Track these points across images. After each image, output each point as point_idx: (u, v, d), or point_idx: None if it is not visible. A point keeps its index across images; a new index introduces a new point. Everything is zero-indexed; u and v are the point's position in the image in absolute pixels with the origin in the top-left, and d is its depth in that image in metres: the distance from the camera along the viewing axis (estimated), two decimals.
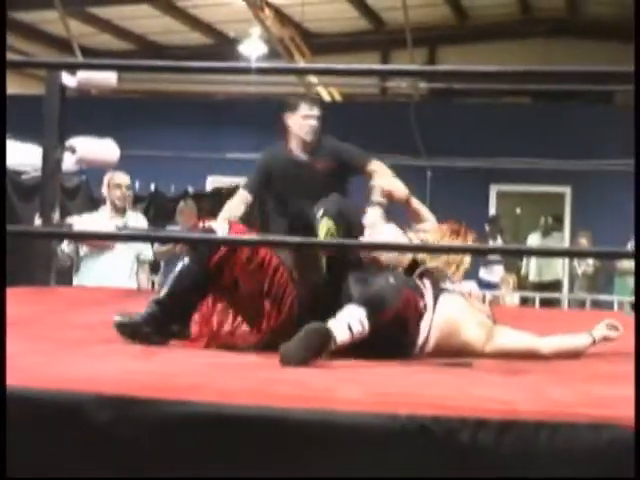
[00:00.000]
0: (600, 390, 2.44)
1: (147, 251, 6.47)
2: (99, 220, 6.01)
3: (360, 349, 2.94)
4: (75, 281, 6.13)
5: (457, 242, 3.49)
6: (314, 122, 4.84)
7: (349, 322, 2.89)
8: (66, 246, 5.98)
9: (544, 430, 2.01)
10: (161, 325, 3.12)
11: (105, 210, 6.20)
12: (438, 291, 3.21)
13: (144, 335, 3.09)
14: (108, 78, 5.49)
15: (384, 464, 2.06)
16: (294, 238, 3.17)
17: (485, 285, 8.61)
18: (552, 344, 3.19)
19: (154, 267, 8.26)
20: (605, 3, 13.13)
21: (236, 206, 4.91)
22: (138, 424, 2.12)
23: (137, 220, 6.38)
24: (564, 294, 10.47)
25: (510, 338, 3.18)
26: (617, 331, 3.18)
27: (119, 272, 6.10)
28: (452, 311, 3.15)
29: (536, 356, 3.12)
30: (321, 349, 2.78)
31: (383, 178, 4.32)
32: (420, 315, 3.08)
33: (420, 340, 3.09)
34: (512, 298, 9.29)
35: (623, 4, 12.66)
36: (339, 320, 2.89)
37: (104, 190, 6.20)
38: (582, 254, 10.46)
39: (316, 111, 4.86)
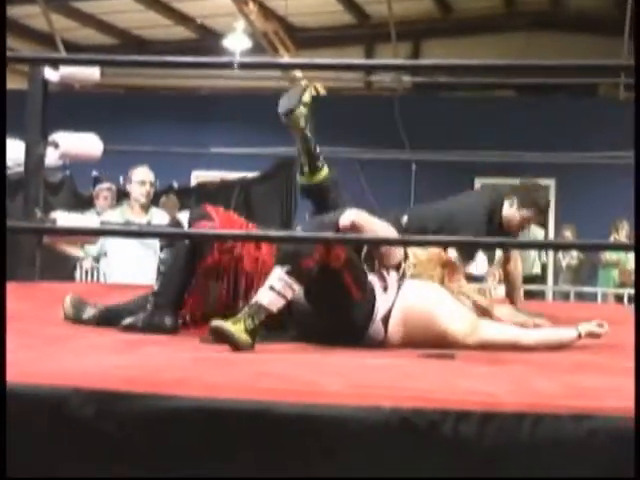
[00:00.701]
0: (584, 381, 2.45)
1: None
2: (120, 216, 5.95)
3: (312, 323, 3.08)
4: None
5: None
6: None
7: (270, 284, 2.96)
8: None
9: (526, 421, 2.03)
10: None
11: (127, 206, 6.13)
12: (403, 280, 3.26)
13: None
14: (91, 73, 5.47)
15: (367, 456, 2.07)
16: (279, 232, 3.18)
17: (471, 278, 8.63)
18: (535, 337, 3.21)
19: None
20: None
21: None
22: (123, 419, 2.12)
23: (162, 217, 6.27)
24: (549, 286, 10.51)
25: (494, 331, 3.20)
26: (603, 328, 3.20)
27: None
28: (417, 298, 3.18)
29: (518, 348, 3.14)
30: (254, 320, 2.88)
31: None
32: (367, 283, 3.18)
33: (378, 317, 3.14)
34: (498, 291, 9.31)
35: None
36: (269, 294, 2.96)
37: (127, 186, 6.13)
38: (567, 246, 10.52)
39: None
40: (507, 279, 4.65)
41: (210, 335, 2.91)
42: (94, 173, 9.96)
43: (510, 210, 4.28)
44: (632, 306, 6.61)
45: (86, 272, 7.59)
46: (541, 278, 11.03)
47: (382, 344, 3.18)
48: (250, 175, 11.27)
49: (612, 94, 13.17)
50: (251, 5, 12.90)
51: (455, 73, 9.48)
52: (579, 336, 3.19)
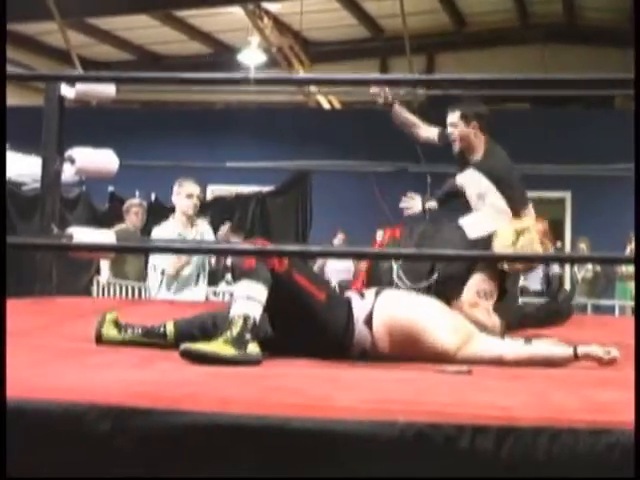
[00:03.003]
0: (602, 395, 2.43)
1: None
2: (172, 230, 6.01)
3: (292, 334, 3.12)
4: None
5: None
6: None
7: (234, 296, 3.01)
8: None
9: (543, 436, 2.01)
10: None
11: (176, 220, 6.18)
12: (381, 290, 3.29)
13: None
14: (107, 89, 5.50)
15: (382, 472, 2.06)
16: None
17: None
18: (520, 353, 3.17)
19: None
20: (602, 9, 13.14)
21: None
22: (138, 434, 2.12)
23: (208, 230, 6.34)
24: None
25: (485, 346, 3.18)
26: (609, 355, 3.10)
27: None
28: (399, 308, 3.18)
29: (501, 363, 3.11)
30: (232, 331, 2.92)
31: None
32: (325, 282, 3.34)
33: (359, 319, 3.15)
34: None
35: (620, 10, 12.69)
36: (238, 304, 3.00)
37: (174, 199, 6.19)
38: (582, 259, 10.47)
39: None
40: None
41: (183, 358, 2.89)
42: (110, 189, 10.00)
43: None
44: None
45: (103, 288, 7.61)
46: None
47: (372, 351, 3.16)
48: (266, 189, 11.31)
49: (628, 106, 13.13)
50: (266, 20, 12.95)
51: (470, 87, 9.48)
52: (575, 356, 3.12)
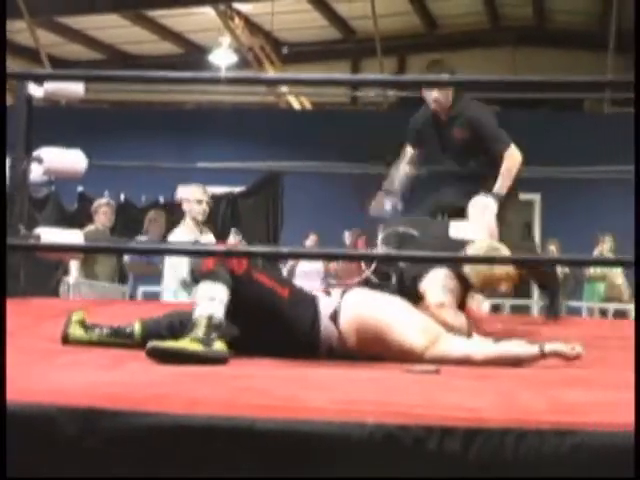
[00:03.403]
0: (570, 396, 2.44)
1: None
2: (184, 236, 6.01)
3: (259, 334, 3.13)
4: None
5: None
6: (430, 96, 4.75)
7: (204, 297, 3.01)
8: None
9: (510, 437, 2.02)
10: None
11: (186, 226, 6.17)
12: (347, 289, 3.31)
13: None
14: (76, 89, 5.46)
15: (352, 472, 2.06)
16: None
17: None
18: (488, 352, 3.19)
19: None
20: (572, 12, 13.24)
21: (403, 166, 4.91)
22: (106, 437, 2.11)
23: (212, 240, 6.35)
24: (534, 300, 10.52)
25: (453, 346, 3.19)
26: (574, 351, 3.13)
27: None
28: (366, 306, 3.19)
29: (472, 363, 3.12)
30: (211, 332, 2.94)
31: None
32: (287, 280, 3.45)
33: (325, 315, 3.16)
34: (484, 305, 9.30)
35: (590, 14, 12.79)
36: (201, 305, 3.00)
37: (184, 206, 6.18)
38: (554, 262, 10.53)
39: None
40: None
41: (150, 357, 2.89)
42: (79, 189, 9.95)
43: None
44: (619, 320, 6.63)
45: (69, 287, 7.56)
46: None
47: (339, 349, 3.17)
48: (236, 189, 11.29)
49: (597, 109, 13.24)
50: (237, 20, 12.94)
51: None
52: (542, 354, 3.15)
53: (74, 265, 7.43)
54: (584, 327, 5.38)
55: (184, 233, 6.11)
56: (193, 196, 6.10)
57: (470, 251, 3.83)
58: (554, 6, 13.45)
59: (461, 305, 3.81)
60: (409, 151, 4.98)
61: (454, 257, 3.70)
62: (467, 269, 3.76)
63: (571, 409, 2.24)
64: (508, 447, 2.01)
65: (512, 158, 4.75)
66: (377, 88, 9.52)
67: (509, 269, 3.84)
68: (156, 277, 8.15)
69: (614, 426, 2.05)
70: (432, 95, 4.68)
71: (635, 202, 2.70)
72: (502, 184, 4.65)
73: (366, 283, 3.71)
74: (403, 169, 4.92)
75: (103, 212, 7.84)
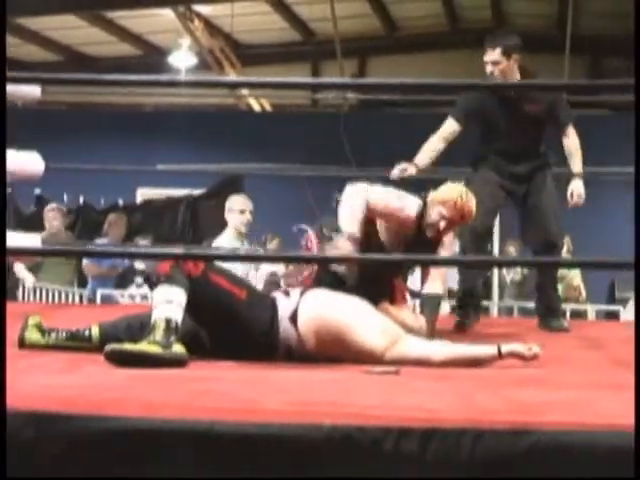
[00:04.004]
0: (526, 396, 2.47)
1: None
2: (226, 244, 5.96)
3: (218, 335, 3.14)
4: None
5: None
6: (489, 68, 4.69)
7: (162, 300, 3.01)
8: None
9: (466, 437, 2.03)
10: None
11: (228, 235, 6.13)
12: (307, 289, 3.33)
13: None
14: (32, 91, 5.41)
15: (310, 474, 2.07)
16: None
17: (411, 294, 8.62)
18: (447, 353, 3.21)
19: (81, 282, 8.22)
20: (532, 16, 13.35)
21: (438, 139, 4.80)
22: (62, 441, 2.10)
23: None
24: (494, 302, 10.59)
25: (412, 347, 3.20)
26: (530, 351, 3.16)
27: None
28: (325, 307, 3.21)
29: (432, 364, 3.14)
30: (170, 335, 2.93)
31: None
32: (244, 281, 3.41)
33: (284, 316, 3.17)
34: (444, 307, 9.33)
35: (550, 17, 12.90)
36: (158, 309, 3.00)
37: (226, 216, 6.13)
38: (513, 263, 10.60)
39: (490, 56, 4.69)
40: None
41: (108, 360, 2.88)
42: (37, 191, 9.85)
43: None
44: (576, 321, 6.69)
45: (28, 291, 7.50)
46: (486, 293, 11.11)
47: (299, 350, 3.18)
48: (196, 192, 11.24)
49: None
50: (196, 22, 12.88)
51: (400, 91, 9.56)
52: (499, 354, 3.17)
53: (20, 268, 7.35)
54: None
55: (226, 243, 6.07)
56: (236, 206, 6.07)
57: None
58: (513, 9, 13.54)
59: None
60: (452, 127, 4.83)
61: (425, 259, 3.71)
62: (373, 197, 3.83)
63: (527, 409, 2.27)
64: (465, 447, 2.02)
65: (575, 133, 4.78)
66: (337, 90, 9.53)
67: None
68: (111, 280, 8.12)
69: (570, 425, 2.07)
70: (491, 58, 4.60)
71: (635, 202, 2.73)
72: (580, 162, 4.72)
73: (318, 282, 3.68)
74: (438, 144, 4.82)
75: (53, 217, 7.86)
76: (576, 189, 4.76)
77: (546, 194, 4.70)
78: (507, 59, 4.56)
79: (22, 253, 4.80)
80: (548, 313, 4.84)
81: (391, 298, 3.85)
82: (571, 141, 4.76)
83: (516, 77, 4.66)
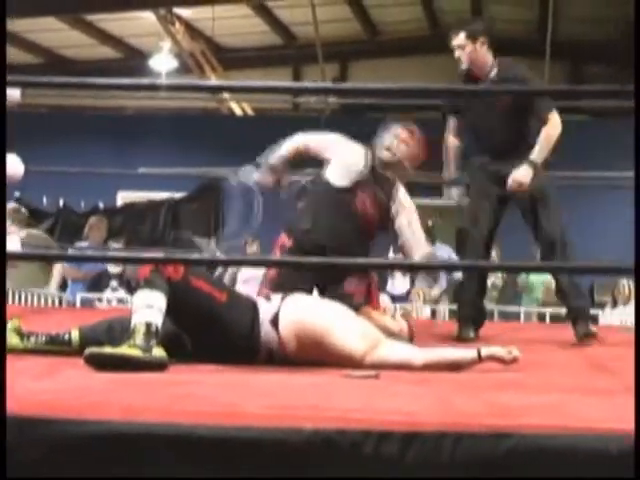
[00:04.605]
0: (506, 399, 2.48)
1: None
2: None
3: (199, 339, 3.14)
4: None
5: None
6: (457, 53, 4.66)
7: (142, 304, 3.00)
8: None
9: (446, 441, 2.04)
10: None
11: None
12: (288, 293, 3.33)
13: None
14: (12, 94, 5.38)
15: (290, 477, 2.07)
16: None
17: (392, 298, 8.63)
18: (427, 357, 3.21)
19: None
20: (512, 21, 13.40)
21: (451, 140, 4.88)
22: (42, 445, 2.09)
23: None
24: None
25: (392, 351, 3.21)
26: (510, 355, 3.17)
27: None
28: (306, 311, 3.22)
29: (408, 368, 3.15)
30: (150, 339, 2.92)
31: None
32: (224, 284, 3.55)
33: (265, 319, 3.17)
34: (423, 311, 9.34)
35: (530, 22, 12.96)
36: (138, 313, 2.99)
37: None
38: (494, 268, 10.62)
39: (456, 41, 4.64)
40: None
41: (88, 363, 2.87)
42: (16, 194, 9.81)
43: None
44: (556, 324, 6.72)
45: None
46: None
47: (279, 353, 3.18)
48: (177, 195, 11.22)
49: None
50: (177, 25, 12.85)
51: (382, 95, 9.58)
52: (479, 358, 3.18)
53: None
54: (521, 331, 5.46)
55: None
56: None
57: None
58: (493, 14, 13.61)
59: None
60: (452, 122, 4.85)
61: (409, 263, 3.72)
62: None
63: (506, 412, 2.28)
64: (445, 450, 2.03)
65: (553, 123, 4.52)
66: (318, 95, 9.54)
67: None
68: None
69: (549, 428, 2.08)
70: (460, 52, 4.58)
71: (635, 203, 2.75)
72: (540, 150, 4.45)
73: None
74: (453, 143, 4.86)
75: (12, 219, 7.73)
76: (515, 174, 4.47)
77: (536, 191, 4.56)
78: (472, 42, 4.53)
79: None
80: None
81: (369, 302, 3.86)
82: (545, 129, 4.52)
83: (487, 61, 4.61)
